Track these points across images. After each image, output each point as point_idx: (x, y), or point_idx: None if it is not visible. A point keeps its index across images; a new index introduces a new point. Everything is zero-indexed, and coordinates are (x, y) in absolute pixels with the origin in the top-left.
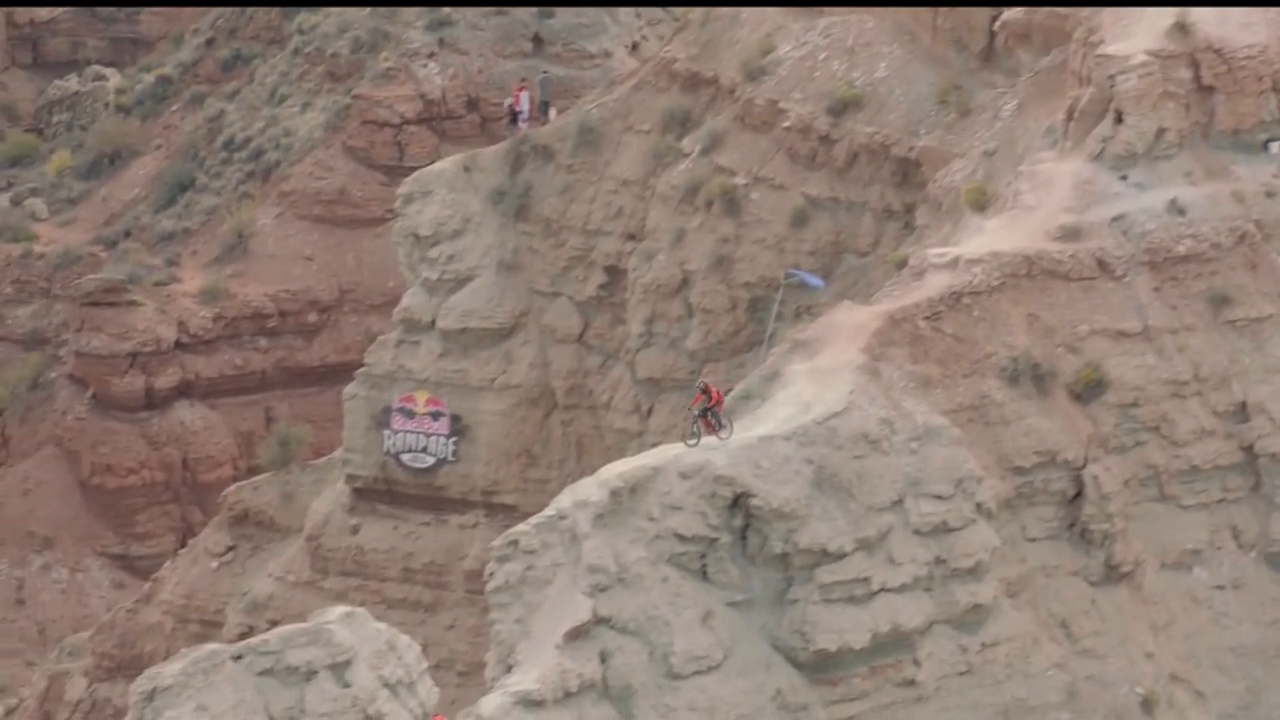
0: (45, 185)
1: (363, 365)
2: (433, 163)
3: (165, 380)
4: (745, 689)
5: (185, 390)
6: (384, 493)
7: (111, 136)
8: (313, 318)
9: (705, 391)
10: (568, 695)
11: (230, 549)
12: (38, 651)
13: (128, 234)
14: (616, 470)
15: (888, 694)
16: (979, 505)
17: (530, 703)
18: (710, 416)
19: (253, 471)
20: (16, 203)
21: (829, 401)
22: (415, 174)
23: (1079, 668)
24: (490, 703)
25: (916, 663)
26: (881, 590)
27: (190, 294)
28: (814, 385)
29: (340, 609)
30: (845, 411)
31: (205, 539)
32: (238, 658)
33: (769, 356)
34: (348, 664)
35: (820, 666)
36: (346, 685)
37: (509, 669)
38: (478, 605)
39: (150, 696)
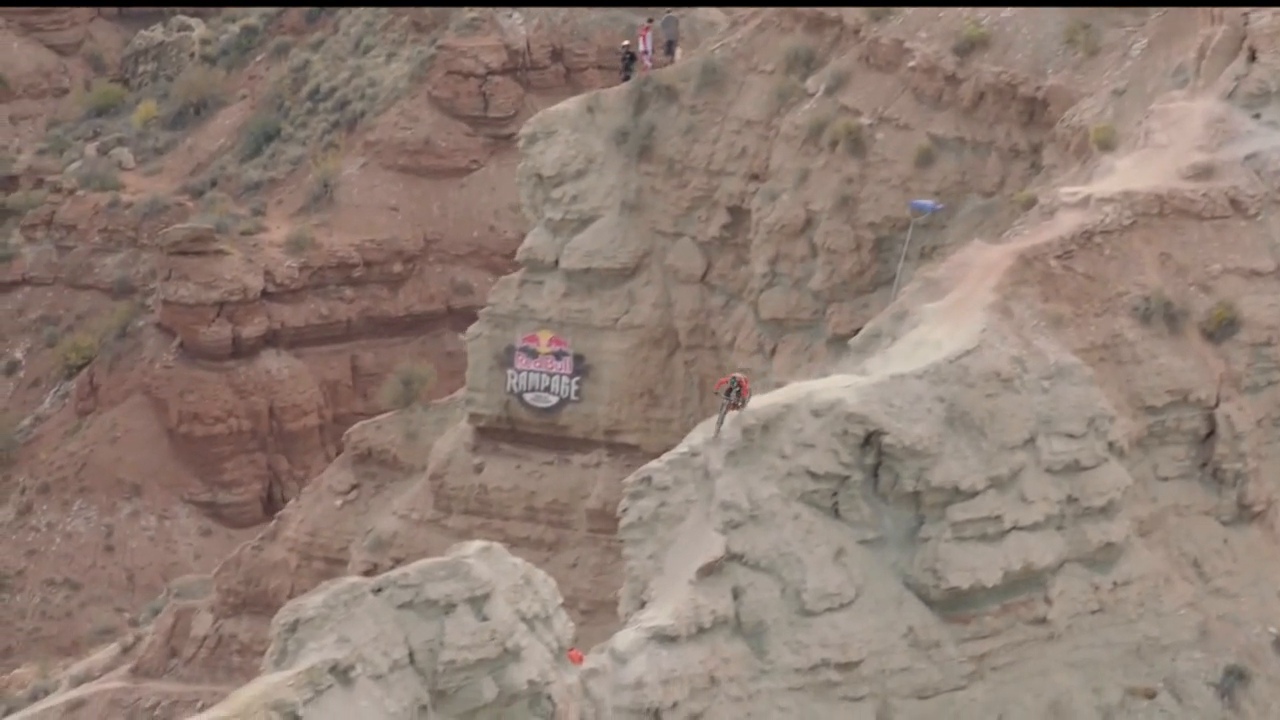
0: (131, 135)
1: (446, 314)
2: (516, 113)
3: (252, 329)
4: (877, 626)
5: (271, 339)
6: (507, 432)
7: (197, 86)
8: (398, 267)
9: (735, 381)
10: (701, 631)
11: (354, 487)
12: (126, 598)
13: (214, 184)
14: (748, 407)
15: (1019, 632)
16: (1111, 444)
17: (664, 638)
18: (735, 400)
19: (338, 420)
20: (103, 152)
21: (960, 340)
22: (538, 114)
23: (1211, 607)
24: (624, 638)
25: (1048, 601)
26: (1013, 528)
27: (276, 243)
28: (945, 324)
29: (477, 544)
30: (977, 350)
31: (329, 477)
32: (378, 591)
33: (899, 295)
34: (486, 598)
35: (952, 604)
36: (485, 619)
37: (642, 605)
38: (600, 544)
39: (292, 628)
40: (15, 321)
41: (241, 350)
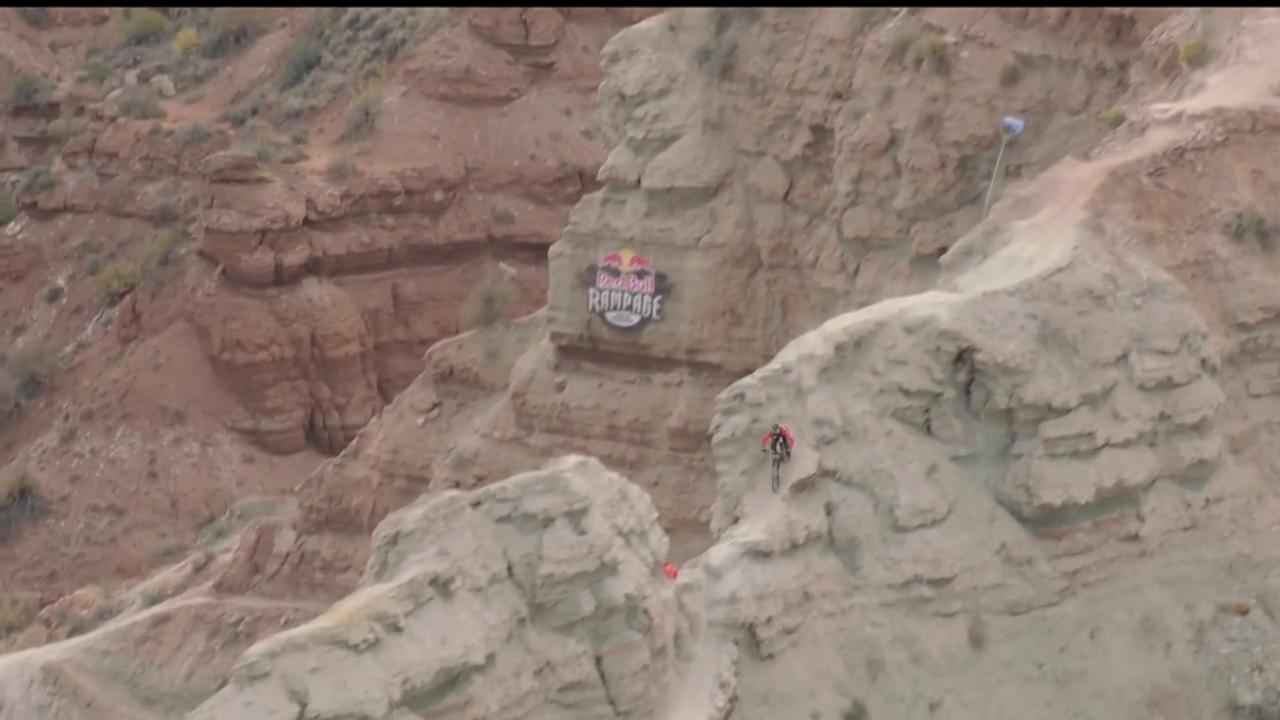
0: (172, 63)
1: (487, 243)
2: (557, 42)
3: (294, 257)
4: (970, 542)
5: (313, 267)
6: (589, 350)
7: (237, 14)
8: (439, 196)
9: (780, 435)
10: (794, 547)
11: (435, 406)
12: (170, 523)
13: (254, 112)
14: (841, 324)
15: (1111, 548)
16: (1203, 361)
17: (758, 554)
18: (783, 453)
19: (379, 349)
20: (144, 80)
21: (1053, 257)
22: (620, 33)
23: None
24: (718, 553)
25: (1140, 518)
26: (1106, 445)
27: (318, 171)
28: (1037, 241)
29: (573, 458)
30: (1069, 267)
31: (410, 395)
32: (476, 505)
33: (989, 212)
34: (584, 512)
35: (1044, 521)
36: (583, 533)
37: (735, 520)
38: (682, 463)
39: (393, 541)
40: (57, 249)
41: (283, 278)
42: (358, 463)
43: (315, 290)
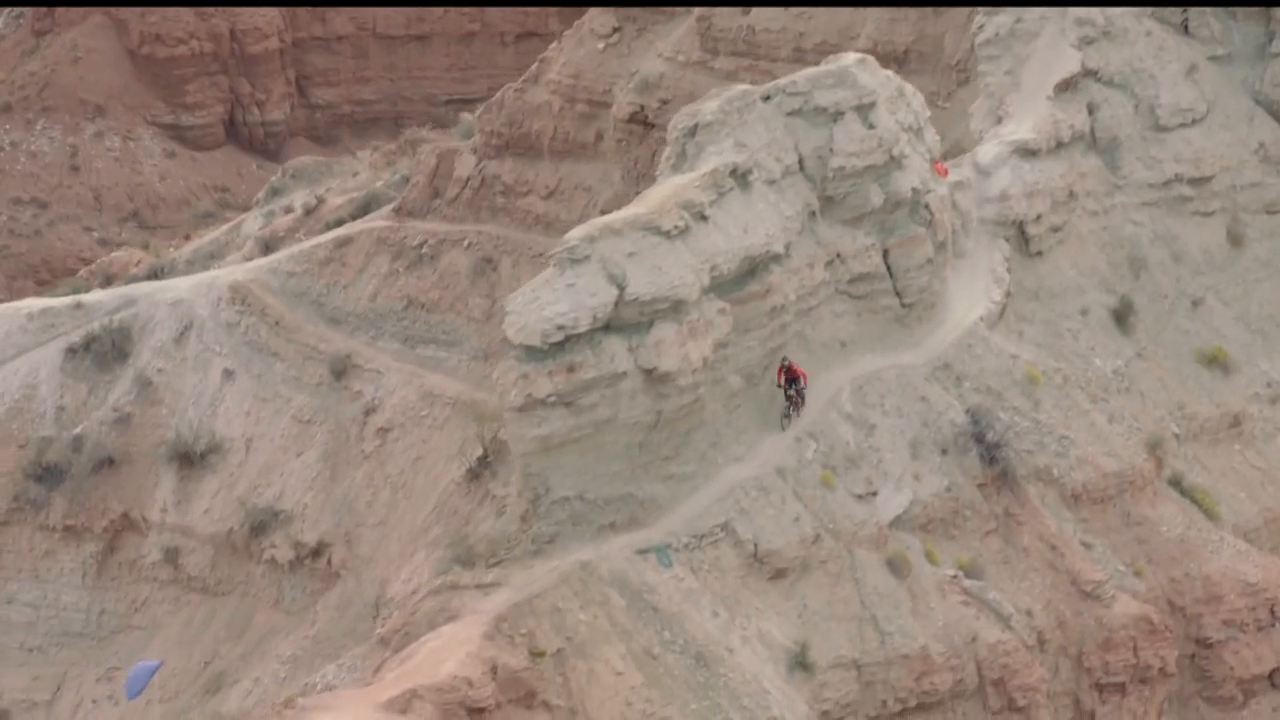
0: None
1: None
2: None
3: None
4: (1228, 142)
5: None
6: None
7: None
8: None
9: (788, 369)
10: (1059, 145)
11: (616, 30)
12: (94, 217)
13: None
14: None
15: None
16: None
17: (1025, 152)
18: (795, 391)
19: (298, 45)
20: None
21: None
22: None
23: None
24: (987, 152)
25: None
26: None
27: None
28: None
29: (852, 55)
30: None
31: (590, 20)
32: (767, 98)
33: None
34: (871, 106)
35: None
36: (871, 127)
37: (999, 120)
38: None
39: (691, 132)
40: None
41: None
42: (538, 88)
43: None
